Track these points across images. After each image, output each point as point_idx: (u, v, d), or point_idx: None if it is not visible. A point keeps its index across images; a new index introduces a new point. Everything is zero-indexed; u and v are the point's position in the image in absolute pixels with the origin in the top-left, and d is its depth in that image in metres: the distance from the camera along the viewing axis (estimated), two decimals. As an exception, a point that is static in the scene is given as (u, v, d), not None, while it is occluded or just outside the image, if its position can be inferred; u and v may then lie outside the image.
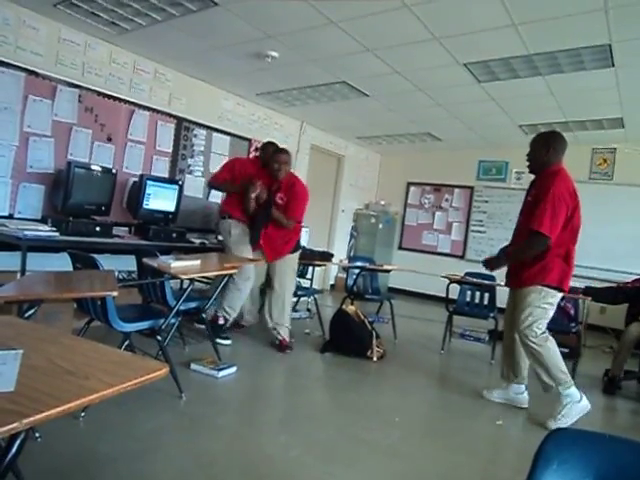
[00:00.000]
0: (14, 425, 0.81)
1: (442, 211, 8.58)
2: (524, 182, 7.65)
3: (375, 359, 4.30)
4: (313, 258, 5.31)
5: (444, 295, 5.00)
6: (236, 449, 2.49)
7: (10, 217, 4.02)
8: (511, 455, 2.81)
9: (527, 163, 3.38)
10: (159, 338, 2.96)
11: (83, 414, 2.56)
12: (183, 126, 5.45)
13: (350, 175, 8.49)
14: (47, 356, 1.13)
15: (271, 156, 4.33)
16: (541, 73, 4.45)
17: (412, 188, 8.91)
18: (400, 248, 8.99)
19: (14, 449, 0.89)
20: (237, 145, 6.18)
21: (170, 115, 5.29)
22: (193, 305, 3.57)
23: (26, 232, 3.50)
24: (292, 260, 4.47)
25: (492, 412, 3.36)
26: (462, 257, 8.25)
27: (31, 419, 0.83)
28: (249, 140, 6.36)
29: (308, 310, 6.02)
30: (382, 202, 8.86)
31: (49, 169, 4.25)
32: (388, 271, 6.31)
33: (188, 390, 3.02)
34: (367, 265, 5.51)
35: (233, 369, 3.57)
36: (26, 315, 1.78)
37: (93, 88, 4.52)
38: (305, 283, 5.78)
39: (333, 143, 7.97)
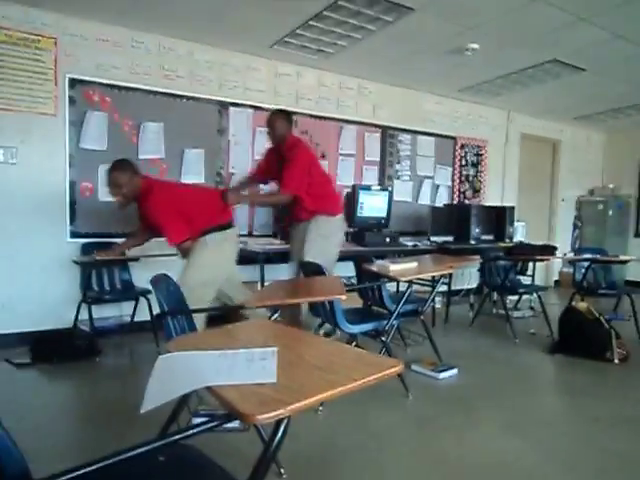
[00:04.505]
0: (280, 411, 0.96)
1: (691, 188, 7.22)
2: None
3: (616, 361, 3.82)
4: (533, 253, 4.98)
5: None
6: (466, 451, 2.46)
7: (249, 234, 4.67)
8: None
9: None
10: (383, 339, 3.11)
11: (321, 408, 2.82)
12: (388, 134, 5.64)
13: (568, 160, 7.71)
14: (297, 353, 1.30)
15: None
16: None
17: (648, 166, 7.70)
18: (637, 235, 7.83)
19: (279, 433, 1.03)
20: (442, 144, 6.14)
21: (375, 125, 5.53)
22: (410, 307, 3.64)
23: (261, 247, 4.04)
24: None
25: None
26: None
27: (293, 406, 0.97)
28: (454, 138, 6.26)
29: (531, 308, 5.63)
30: (610, 186, 7.85)
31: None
32: (624, 262, 5.54)
33: (412, 390, 3.10)
34: (597, 257, 4.93)
35: (454, 371, 3.54)
36: (273, 318, 2.05)
37: (306, 112, 4.99)
38: (526, 280, 5.43)
39: (546, 128, 7.34)
